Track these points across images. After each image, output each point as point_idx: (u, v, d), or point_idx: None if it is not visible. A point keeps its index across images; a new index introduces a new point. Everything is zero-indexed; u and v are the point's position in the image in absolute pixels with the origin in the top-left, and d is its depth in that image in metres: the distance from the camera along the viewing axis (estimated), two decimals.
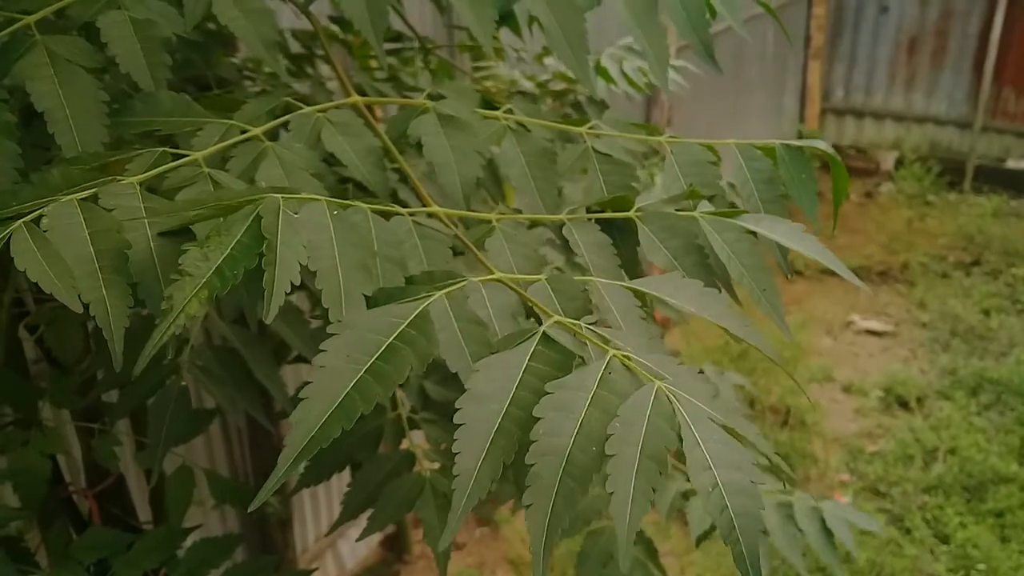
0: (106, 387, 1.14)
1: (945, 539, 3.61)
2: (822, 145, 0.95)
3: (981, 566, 3.45)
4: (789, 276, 0.88)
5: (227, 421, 2.39)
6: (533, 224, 0.86)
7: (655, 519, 3.74)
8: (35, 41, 0.79)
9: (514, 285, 0.70)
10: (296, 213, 0.65)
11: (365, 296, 0.65)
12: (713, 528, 1.53)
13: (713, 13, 1.06)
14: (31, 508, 1.24)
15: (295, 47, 1.70)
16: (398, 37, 1.96)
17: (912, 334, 5.14)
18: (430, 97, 0.97)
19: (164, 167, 0.72)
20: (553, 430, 0.55)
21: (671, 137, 0.97)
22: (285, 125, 0.88)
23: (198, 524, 1.37)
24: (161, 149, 0.75)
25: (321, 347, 0.58)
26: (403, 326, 0.60)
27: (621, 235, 0.83)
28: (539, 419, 0.56)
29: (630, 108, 4.36)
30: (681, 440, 0.55)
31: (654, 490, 0.52)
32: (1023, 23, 6.65)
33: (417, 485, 1.17)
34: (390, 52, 1.90)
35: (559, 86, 2.00)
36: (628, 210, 0.85)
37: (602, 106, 1.87)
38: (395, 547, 3.43)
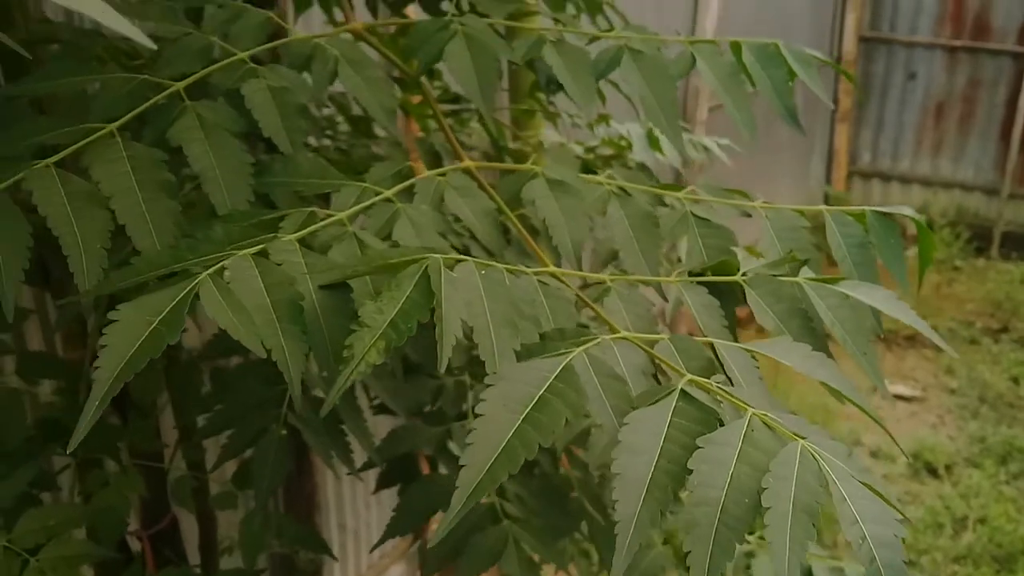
0: (209, 432, 1.18)
1: None
2: (909, 212, 0.99)
3: None
4: (881, 337, 0.92)
5: None
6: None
7: None
8: (186, 107, 0.84)
9: (641, 344, 0.74)
10: (451, 270, 0.70)
11: (515, 352, 0.70)
12: None
13: (792, 76, 1.12)
14: (107, 547, 1.27)
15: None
16: (456, 99, 2.03)
17: (940, 400, 5.12)
18: (535, 163, 1.02)
19: (315, 226, 0.78)
20: (706, 481, 0.59)
21: (765, 203, 1.01)
22: (411, 188, 0.94)
23: (264, 568, 1.39)
24: (309, 209, 0.81)
25: (480, 396, 0.62)
26: (551, 379, 0.65)
27: (721, 297, 0.87)
28: (690, 471, 0.60)
29: (658, 167, 4.42)
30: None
31: (808, 541, 0.59)
32: None
33: (501, 539, 1.20)
34: (448, 113, 1.96)
35: (607, 151, 2.04)
36: (732, 274, 0.88)
37: (647, 171, 1.93)
38: None
